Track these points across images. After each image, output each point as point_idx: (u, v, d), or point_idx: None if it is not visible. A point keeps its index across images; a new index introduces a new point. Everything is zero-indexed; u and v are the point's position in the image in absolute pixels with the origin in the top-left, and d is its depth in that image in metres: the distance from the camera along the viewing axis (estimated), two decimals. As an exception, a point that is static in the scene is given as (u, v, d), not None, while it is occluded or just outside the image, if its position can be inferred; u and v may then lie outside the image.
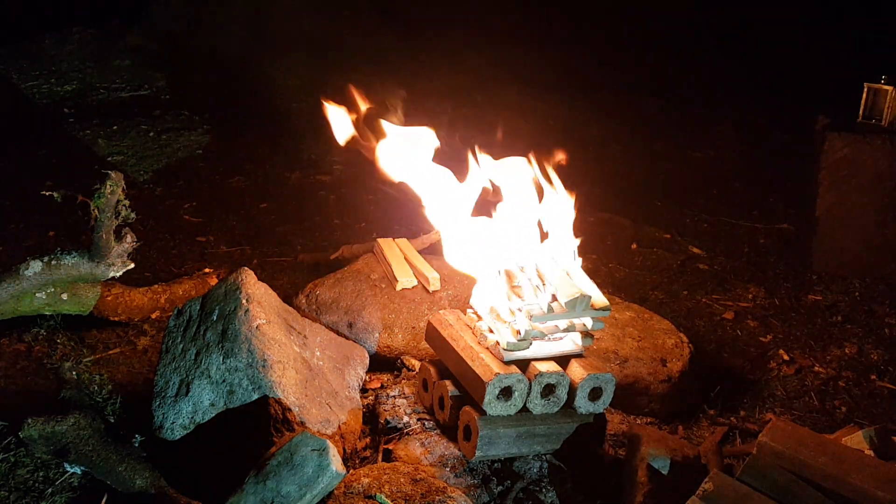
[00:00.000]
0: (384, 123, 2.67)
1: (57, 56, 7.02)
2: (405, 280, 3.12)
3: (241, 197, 4.76)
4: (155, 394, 2.44)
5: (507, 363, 2.33)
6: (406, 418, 2.53)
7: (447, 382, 2.44)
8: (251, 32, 7.38)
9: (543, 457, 2.38)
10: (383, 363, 2.92)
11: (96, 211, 2.73)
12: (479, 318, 2.49)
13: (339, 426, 2.42)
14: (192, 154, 5.35)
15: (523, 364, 2.34)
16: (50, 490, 2.26)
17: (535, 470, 2.34)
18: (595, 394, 2.37)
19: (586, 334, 2.43)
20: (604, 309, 2.37)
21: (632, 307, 3.28)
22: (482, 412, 2.29)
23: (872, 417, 3.00)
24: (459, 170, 2.61)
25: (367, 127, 2.72)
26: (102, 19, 7.54)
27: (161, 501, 2.19)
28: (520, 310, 2.37)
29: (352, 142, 2.71)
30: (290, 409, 2.30)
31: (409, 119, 2.76)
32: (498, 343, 2.35)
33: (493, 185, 2.60)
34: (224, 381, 2.38)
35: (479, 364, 2.32)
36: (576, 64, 7.23)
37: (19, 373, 2.83)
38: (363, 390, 2.72)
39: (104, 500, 2.22)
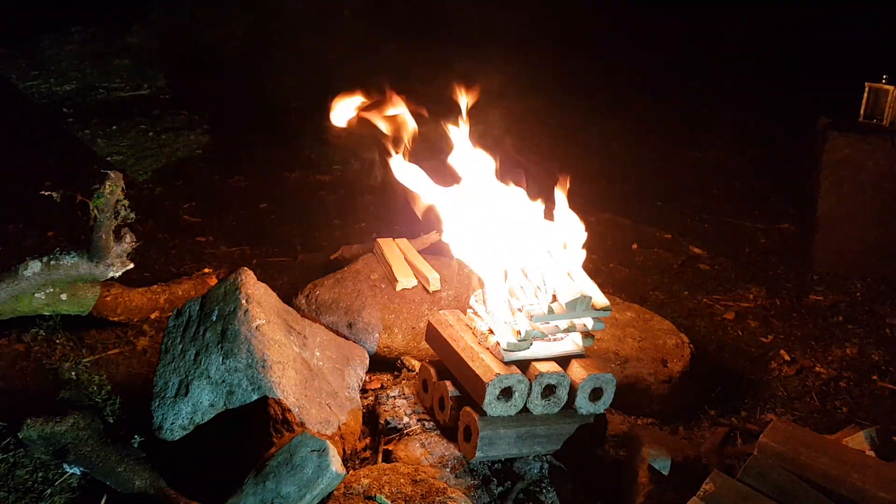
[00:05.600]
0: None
1: (56, 56, 7.01)
2: (405, 280, 3.11)
3: (241, 197, 4.75)
4: (154, 394, 2.43)
5: (508, 363, 2.32)
6: (406, 419, 2.53)
7: (447, 383, 2.43)
8: (251, 32, 7.37)
9: (544, 457, 2.37)
10: (383, 363, 2.92)
11: (95, 211, 2.72)
12: (480, 318, 2.48)
13: (339, 427, 2.41)
14: (192, 154, 5.35)
15: (524, 364, 2.34)
16: (49, 491, 2.26)
17: (535, 471, 2.34)
18: (596, 394, 2.36)
19: (587, 335, 2.42)
20: (604, 309, 2.36)
21: (632, 307, 3.27)
22: (482, 413, 2.28)
23: (873, 418, 2.99)
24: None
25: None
26: (102, 19, 7.53)
27: (160, 502, 2.18)
28: (520, 310, 2.36)
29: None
30: (289, 410, 2.29)
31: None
32: (498, 343, 2.34)
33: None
34: (223, 381, 2.37)
35: (479, 364, 2.31)
36: (576, 64, 7.22)
37: (18, 373, 2.82)
38: (363, 391, 2.71)
39: (103, 501, 2.22)
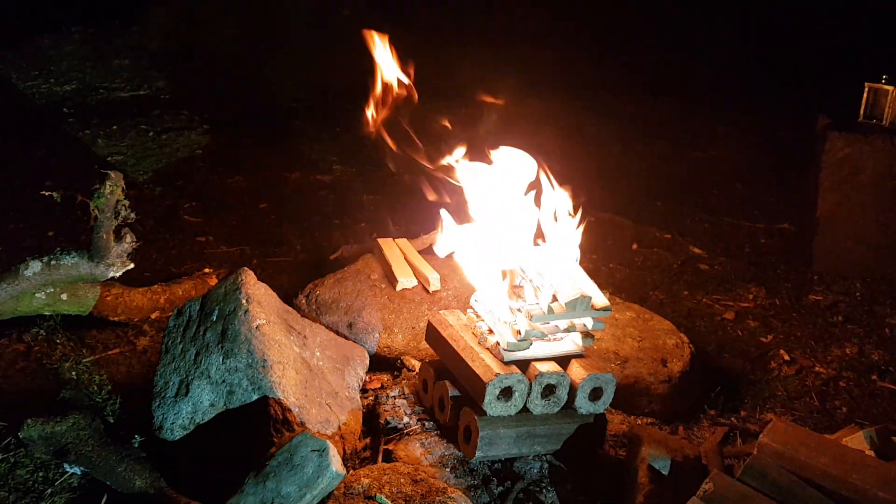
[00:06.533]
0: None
1: (56, 56, 7.01)
2: (405, 280, 3.11)
3: (241, 197, 4.75)
4: (154, 394, 2.44)
5: (508, 363, 2.32)
6: (406, 419, 2.53)
7: (447, 383, 2.43)
8: (251, 33, 7.37)
9: (544, 457, 2.37)
10: (383, 363, 2.92)
11: (96, 211, 2.72)
12: (480, 318, 2.48)
13: (339, 427, 2.41)
14: (192, 154, 5.35)
15: (523, 364, 2.34)
16: (49, 490, 2.26)
17: (535, 470, 2.34)
18: (595, 394, 2.36)
19: (587, 335, 2.42)
20: (604, 309, 2.36)
21: (632, 307, 3.27)
22: (482, 413, 2.28)
23: (873, 418, 3.00)
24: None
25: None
26: (102, 19, 7.53)
27: (161, 502, 2.19)
28: (520, 310, 2.36)
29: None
30: (290, 410, 2.30)
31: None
32: (498, 343, 2.34)
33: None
34: (224, 381, 2.37)
35: (479, 364, 2.31)
36: (576, 64, 7.22)
37: (19, 373, 2.83)
38: (363, 391, 2.71)
39: (104, 501, 2.22)
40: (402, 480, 2.17)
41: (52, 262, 2.83)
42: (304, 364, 2.49)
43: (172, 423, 2.36)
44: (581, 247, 2.54)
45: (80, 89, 6.48)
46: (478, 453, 2.29)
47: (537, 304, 2.37)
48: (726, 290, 3.96)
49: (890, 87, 3.95)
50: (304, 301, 3.12)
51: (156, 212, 4.42)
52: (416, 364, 2.83)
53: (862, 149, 3.94)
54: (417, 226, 3.95)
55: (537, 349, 2.37)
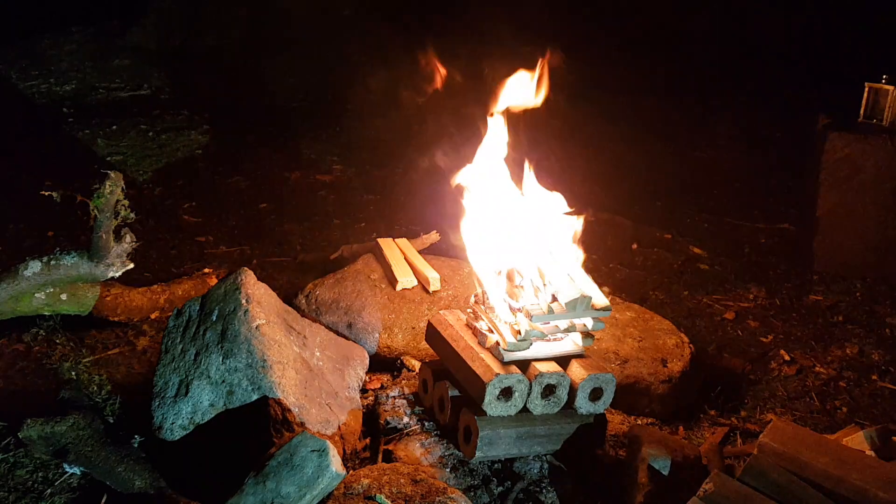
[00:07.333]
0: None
1: (56, 56, 7.02)
2: (405, 280, 3.11)
3: (241, 197, 4.76)
4: (154, 394, 2.43)
5: (507, 363, 2.32)
6: (406, 419, 2.53)
7: (447, 383, 2.43)
8: (251, 32, 7.38)
9: (544, 457, 2.37)
10: (383, 363, 2.92)
11: (95, 211, 2.72)
12: (479, 318, 2.48)
13: (339, 427, 2.41)
14: (192, 154, 5.35)
15: (523, 364, 2.33)
16: (49, 491, 2.26)
17: (535, 470, 2.34)
18: (595, 394, 2.36)
19: (587, 335, 2.42)
20: (604, 309, 2.36)
21: (632, 307, 3.27)
22: (482, 413, 2.28)
23: (873, 418, 3.00)
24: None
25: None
26: (102, 19, 7.54)
27: (160, 502, 2.19)
28: (520, 310, 2.36)
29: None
30: (289, 410, 2.30)
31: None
32: (498, 343, 2.34)
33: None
34: (223, 381, 2.37)
35: (479, 364, 2.31)
36: (576, 64, 7.22)
37: (18, 373, 2.83)
38: (363, 391, 2.71)
39: (103, 501, 2.22)
40: (402, 480, 2.17)
41: (52, 262, 2.83)
42: (304, 364, 2.49)
43: (172, 424, 2.36)
44: (581, 245, 2.53)
45: (80, 89, 6.48)
46: (478, 453, 2.29)
47: (537, 304, 2.37)
48: (726, 290, 3.96)
49: (890, 87, 3.96)
50: (303, 301, 3.12)
51: (156, 212, 4.42)
52: (416, 364, 2.83)
53: (862, 149, 3.94)
54: (418, 226, 3.95)
55: (537, 349, 2.37)
